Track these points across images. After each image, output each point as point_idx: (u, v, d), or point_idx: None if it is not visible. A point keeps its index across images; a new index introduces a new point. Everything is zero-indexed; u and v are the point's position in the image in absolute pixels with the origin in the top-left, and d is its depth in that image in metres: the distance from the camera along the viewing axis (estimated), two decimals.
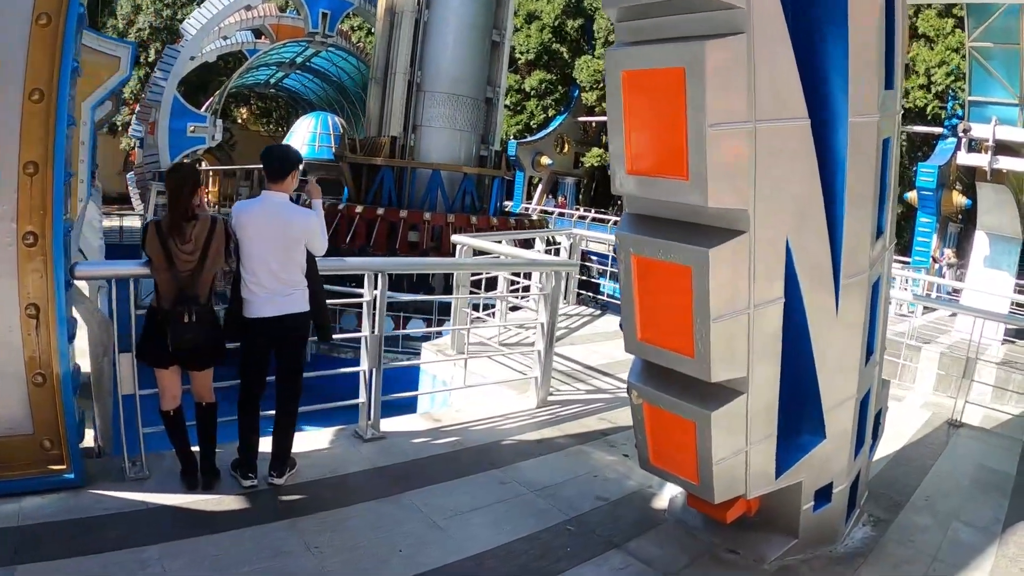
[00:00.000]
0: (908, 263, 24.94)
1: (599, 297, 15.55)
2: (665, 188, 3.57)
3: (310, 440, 5.83)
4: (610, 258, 15.97)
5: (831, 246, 3.81)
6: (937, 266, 21.71)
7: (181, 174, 4.53)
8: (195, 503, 4.57)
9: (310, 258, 4.89)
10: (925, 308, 22.01)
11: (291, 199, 4.88)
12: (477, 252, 9.27)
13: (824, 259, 3.82)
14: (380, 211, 24.83)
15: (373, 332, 5.94)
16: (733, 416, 3.86)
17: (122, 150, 48.16)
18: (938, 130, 27.91)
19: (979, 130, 17.62)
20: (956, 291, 19.59)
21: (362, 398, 6.11)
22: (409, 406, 8.55)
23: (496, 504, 5.10)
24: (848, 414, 4.20)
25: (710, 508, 4.33)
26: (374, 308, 5.91)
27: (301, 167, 5.00)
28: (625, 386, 4.36)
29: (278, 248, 4.67)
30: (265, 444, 5.00)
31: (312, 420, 6.24)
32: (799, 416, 4.18)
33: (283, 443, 4.93)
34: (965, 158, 18.11)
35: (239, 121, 60.14)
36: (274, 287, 4.68)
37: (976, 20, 17.14)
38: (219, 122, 38.91)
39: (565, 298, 12.88)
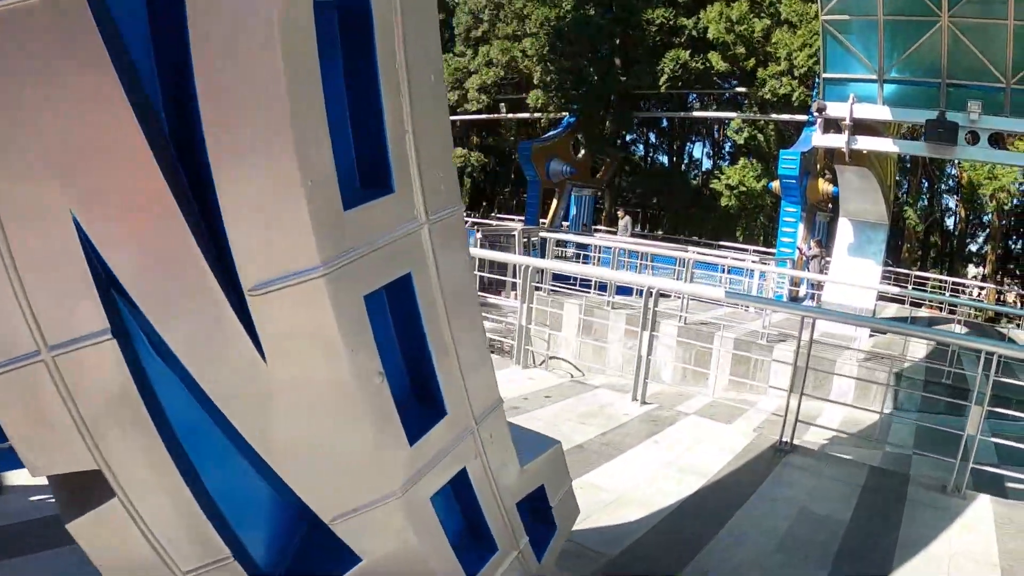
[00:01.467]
0: (772, 256, 23.73)
1: None
2: None
3: None
4: None
5: (196, 225, 1.69)
6: (804, 259, 20.34)
7: None
8: None
9: None
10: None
11: None
12: None
13: (178, 250, 1.69)
14: None
15: None
16: (107, 528, 1.84)
17: None
18: (802, 117, 26.82)
19: (835, 109, 16.09)
20: (821, 285, 18.13)
21: None
22: None
23: None
24: (396, 521, 2.12)
25: None
26: None
27: None
28: None
29: None
30: None
31: None
32: (301, 532, 2.15)
33: None
34: (821, 139, 16.49)
35: None
36: None
37: None
38: None
39: None
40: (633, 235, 32.22)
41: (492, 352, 10.40)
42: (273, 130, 1.65)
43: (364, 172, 1.94)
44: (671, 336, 13.85)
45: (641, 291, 16.30)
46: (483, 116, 42.97)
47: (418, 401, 2.18)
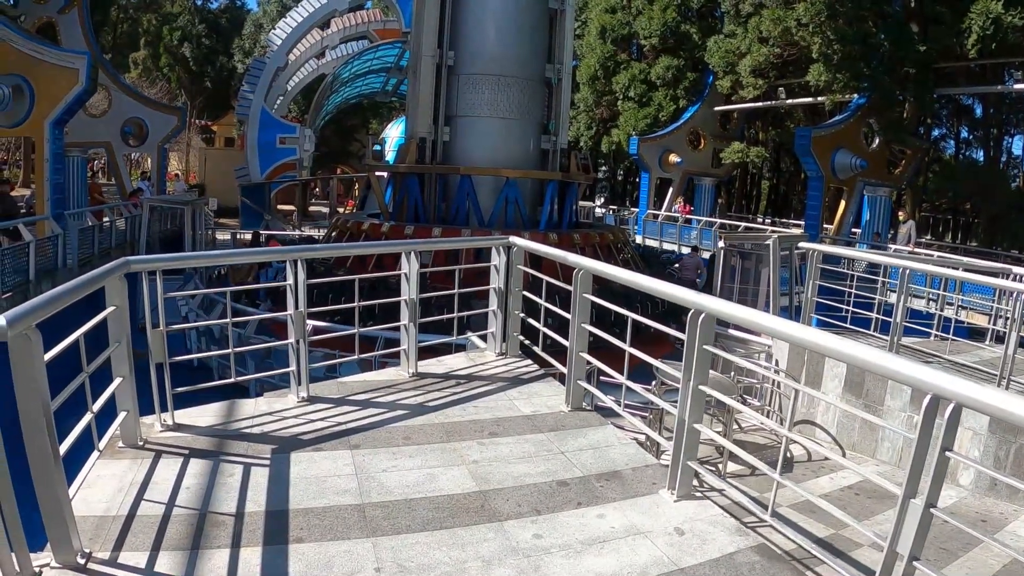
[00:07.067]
0: None
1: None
2: None
3: None
4: None
5: None
6: None
7: None
8: None
9: None
10: None
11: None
12: None
13: None
14: (409, 229, 19.63)
15: None
16: None
17: None
18: None
19: None
20: None
21: None
22: None
23: None
24: None
25: None
26: None
27: None
28: None
29: None
30: None
31: None
32: None
33: None
34: None
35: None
36: None
37: None
38: (308, 132, 37.66)
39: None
40: (942, 248, 25.52)
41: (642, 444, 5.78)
42: None
43: None
44: (979, 420, 8.10)
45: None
46: (758, 104, 37.00)
47: None
